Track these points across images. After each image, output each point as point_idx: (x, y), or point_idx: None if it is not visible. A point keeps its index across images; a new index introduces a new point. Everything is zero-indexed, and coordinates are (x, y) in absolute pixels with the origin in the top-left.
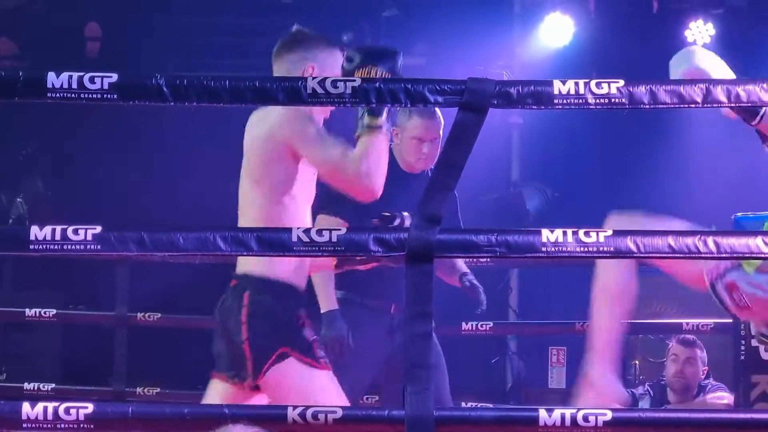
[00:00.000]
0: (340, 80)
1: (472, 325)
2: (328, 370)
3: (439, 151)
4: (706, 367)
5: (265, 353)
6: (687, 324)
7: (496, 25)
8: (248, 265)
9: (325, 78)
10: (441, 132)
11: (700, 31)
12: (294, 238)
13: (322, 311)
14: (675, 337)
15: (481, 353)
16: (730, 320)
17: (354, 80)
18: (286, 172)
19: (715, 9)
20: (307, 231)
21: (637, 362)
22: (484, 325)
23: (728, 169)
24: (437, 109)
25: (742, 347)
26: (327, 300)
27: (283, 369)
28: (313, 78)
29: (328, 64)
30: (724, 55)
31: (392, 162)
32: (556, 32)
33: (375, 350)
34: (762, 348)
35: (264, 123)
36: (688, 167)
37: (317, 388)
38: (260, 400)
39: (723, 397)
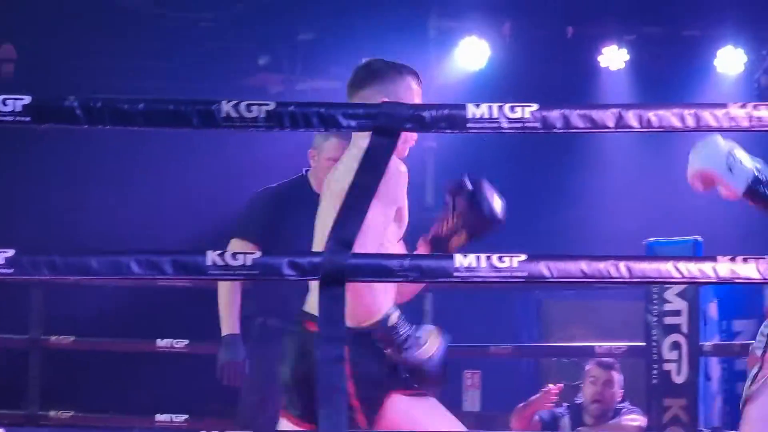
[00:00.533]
0: (255, 104)
1: None
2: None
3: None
4: (622, 390)
5: (375, 403)
6: (600, 347)
7: (411, 48)
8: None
9: (240, 101)
10: None
11: (613, 56)
12: (209, 262)
13: (222, 334)
14: (593, 360)
15: None
16: (643, 344)
17: (268, 104)
18: None
19: (629, 35)
20: (221, 254)
21: (550, 386)
22: None
23: (642, 194)
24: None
25: (654, 371)
26: (229, 324)
27: (390, 408)
28: (228, 101)
29: (402, 97)
30: (637, 82)
31: (304, 185)
32: (472, 56)
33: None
34: (673, 372)
35: None
36: (603, 192)
37: (422, 414)
38: None
39: (636, 419)
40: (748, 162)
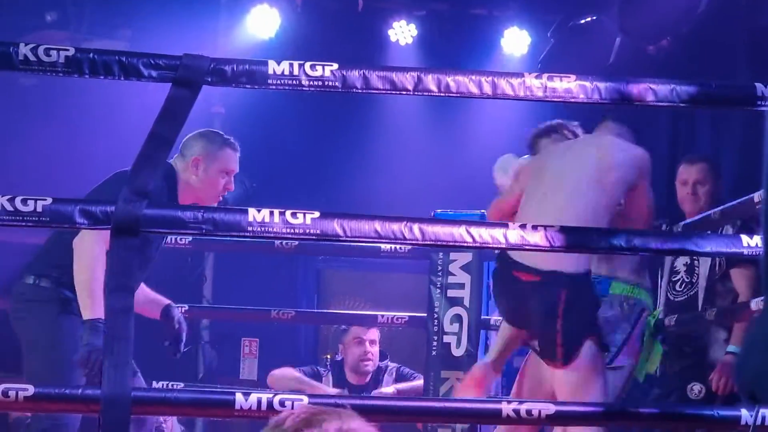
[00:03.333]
0: (54, 48)
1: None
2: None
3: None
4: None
5: (575, 342)
6: (382, 316)
7: (201, 14)
8: (555, 263)
9: (38, 45)
10: None
11: (403, 31)
12: None
13: (88, 317)
14: None
15: None
16: (424, 314)
17: (67, 49)
18: None
19: (418, 11)
20: (11, 199)
21: (329, 356)
22: (179, 308)
23: (433, 165)
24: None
25: (434, 343)
26: (98, 307)
27: (583, 353)
28: (26, 44)
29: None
30: (425, 57)
31: (172, 176)
32: (262, 24)
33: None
34: (453, 344)
35: None
36: (392, 160)
37: (602, 367)
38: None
39: (418, 375)
40: None
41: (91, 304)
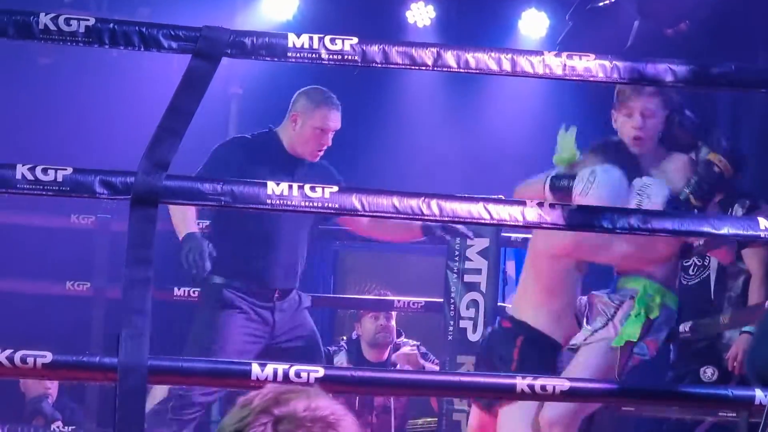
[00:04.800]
0: (74, 18)
1: (184, 290)
2: None
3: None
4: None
5: None
6: (399, 301)
7: None
8: (522, 314)
9: (59, 15)
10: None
11: (420, 12)
12: (18, 176)
13: (182, 235)
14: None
15: (192, 320)
16: (441, 299)
17: (87, 19)
18: None
19: None
20: (32, 169)
21: (344, 338)
22: (197, 291)
23: (450, 144)
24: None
25: (450, 328)
26: (187, 226)
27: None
28: (46, 14)
29: None
30: (442, 39)
31: (273, 140)
32: (280, 6)
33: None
34: (469, 330)
35: None
36: (411, 140)
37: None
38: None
39: (413, 343)
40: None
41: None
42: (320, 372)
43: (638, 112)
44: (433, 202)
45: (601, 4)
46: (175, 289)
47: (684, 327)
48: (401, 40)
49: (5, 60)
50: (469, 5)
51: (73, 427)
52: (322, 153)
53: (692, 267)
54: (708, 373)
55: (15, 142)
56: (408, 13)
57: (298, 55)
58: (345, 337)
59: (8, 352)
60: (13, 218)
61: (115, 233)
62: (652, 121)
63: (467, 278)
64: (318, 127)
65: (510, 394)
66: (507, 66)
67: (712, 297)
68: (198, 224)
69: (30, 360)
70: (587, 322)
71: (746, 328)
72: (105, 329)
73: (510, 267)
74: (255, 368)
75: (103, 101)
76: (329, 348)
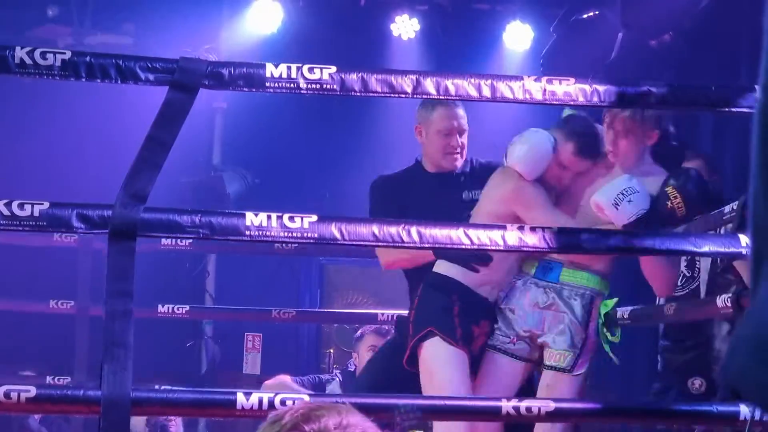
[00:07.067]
0: (50, 52)
1: (168, 308)
2: (464, 351)
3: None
4: None
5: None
6: (382, 315)
7: (204, 8)
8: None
9: (34, 48)
10: (466, 125)
11: (405, 25)
12: None
13: None
14: (369, 328)
15: (176, 337)
16: None
17: (64, 53)
18: None
19: (420, 5)
20: (8, 204)
21: (331, 351)
22: (180, 309)
23: None
24: (459, 103)
25: None
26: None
27: (428, 345)
28: (22, 48)
29: None
30: (428, 52)
31: (419, 170)
32: (265, 18)
33: None
34: None
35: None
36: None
37: (446, 361)
38: None
39: None
40: (638, 203)
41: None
42: (305, 399)
43: (612, 130)
44: (413, 229)
45: (585, 16)
46: (159, 306)
47: (622, 313)
48: (380, 68)
49: None
50: (453, 18)
51: None
52: (459, 157)
53: (681, 278)
54: (696, 384)
55: None
56: (393, 26)
57: (276, 85)
58: (332, 351)
59: (3, 389)
60: None
61: (98, 251)
62: (623, 141)
63: None
64: (440, 131)
65: (495, 416)
66: (487, 92)
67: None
68: None
69: (14, 395)
70: (543, 329)
71: None
72: (89, 347)
73: None
74: (240, 397)
75: (84, 121)
76: (321, 376)
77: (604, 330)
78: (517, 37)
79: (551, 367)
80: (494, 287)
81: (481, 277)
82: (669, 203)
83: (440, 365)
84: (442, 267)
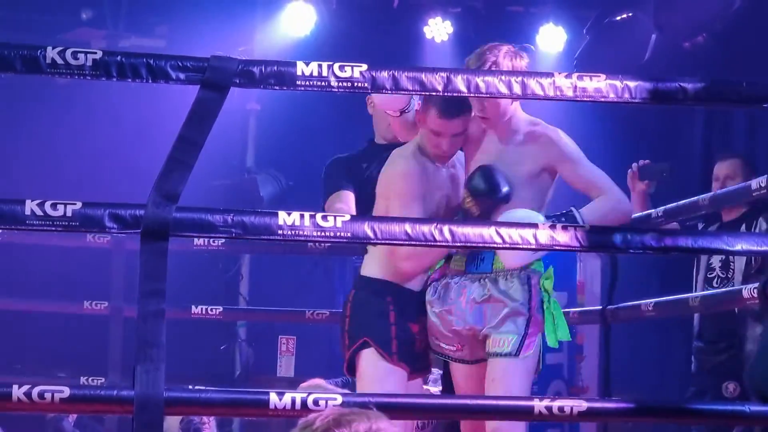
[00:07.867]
0: (81, 52)
1: (202, 308)
2: (400, 366)
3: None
4: None
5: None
6: None
7: (237, 10)
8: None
9: (65, 48)
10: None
11: (438, 28)
12: (27, 211)
13: None
14: None
15: (209, 340)
16: None
17: (95, 52)
18: None
19: (453, 8)
20: (41, 204)
21: None
22: (214, 310)
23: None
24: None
25: None
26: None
27: (364, 356)
28: (53, 48)
29: None
30: (460, 55)
31: (371, 145)
32: (298, 21)
33: None
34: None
35: None
36: None
37: (382, 378)
38: None
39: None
40: None
41: None
42: (338, 400)
43: None
44: (446, 228)
45: (618, 18)
46: (193, 307)
47: (647, 306)
48: (411, 66)
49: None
50: (486, 20)
51: None
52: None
53: (716, 279)
54: (730, 388)
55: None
56: (426, 29)
57: (307, 83)
58: None
59: (26, 388)
60: (30, 239)
61: (131, 252)
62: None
63: None
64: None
65: (528, 416)
66: (517, 89)
67: (736, 310)
68: None
69: (48, 395)
70: (484, 323)
71: None
72: (123, 348)
73: None
74: (273, 397)
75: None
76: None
77: (551, 307)
78: (551, 39)
79: (496, 354)
80: (423, 276)
81: (412, 268)
82: (466, 205)
83: (375, 382)
84: (370, 269)
